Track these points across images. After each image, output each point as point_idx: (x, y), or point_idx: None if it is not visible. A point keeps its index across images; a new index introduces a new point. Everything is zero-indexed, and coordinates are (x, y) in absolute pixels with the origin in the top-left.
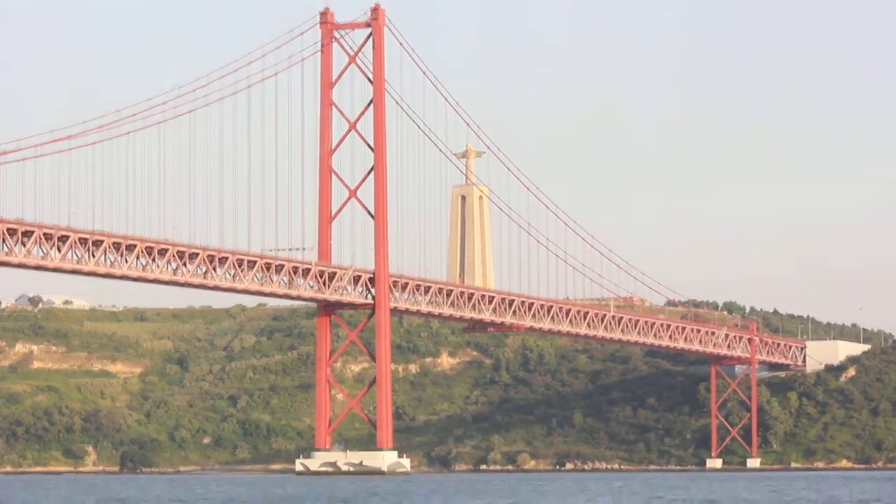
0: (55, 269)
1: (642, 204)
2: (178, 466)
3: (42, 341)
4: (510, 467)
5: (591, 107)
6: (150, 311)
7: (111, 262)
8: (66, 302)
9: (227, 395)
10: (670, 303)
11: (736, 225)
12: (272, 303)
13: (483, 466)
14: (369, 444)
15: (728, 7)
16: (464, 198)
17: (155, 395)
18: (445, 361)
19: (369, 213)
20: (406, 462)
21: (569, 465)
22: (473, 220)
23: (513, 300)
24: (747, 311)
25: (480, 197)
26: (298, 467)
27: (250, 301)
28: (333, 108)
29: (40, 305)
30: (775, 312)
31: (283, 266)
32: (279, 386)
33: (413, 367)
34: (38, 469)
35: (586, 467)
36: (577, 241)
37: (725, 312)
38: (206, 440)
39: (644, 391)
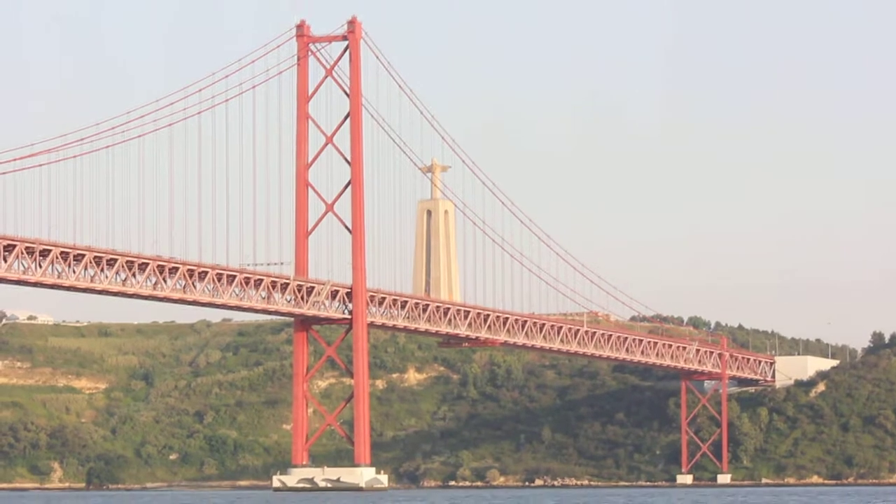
0: (36, 284)
1: (609, 218)
2: (145, 483)
3: (6, 357)
4: (479, 483)
5: (567, 122)
6: (113, 326)
7: (91, 276)
8: (30, 317)
9: (193, 410)
10: (636, 317)
11: (704, 239)
12: (237, 318)
13: (452, 482)
14: (338, 460)
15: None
16: (429, 212)
17: (120, 411)
18: (412, 377)
19: (346, 227)
20: (384, 478)
21: (538, 482)
22: (439, 235)
23: (488, 315)
24: (713, 326)
25: (446, 212)
26: (276, 483)
27: (215, 316)
28: (310, 121)
29: (4, 321)
30: (741, 327)
31: (261, 281)
32: (245, 402)
33: (380, 383)
34: (4, 486)
35: (556, 483)
36: (549, 255)
37: (692, 328)
38: (173, 456)
39: (613, 407)
